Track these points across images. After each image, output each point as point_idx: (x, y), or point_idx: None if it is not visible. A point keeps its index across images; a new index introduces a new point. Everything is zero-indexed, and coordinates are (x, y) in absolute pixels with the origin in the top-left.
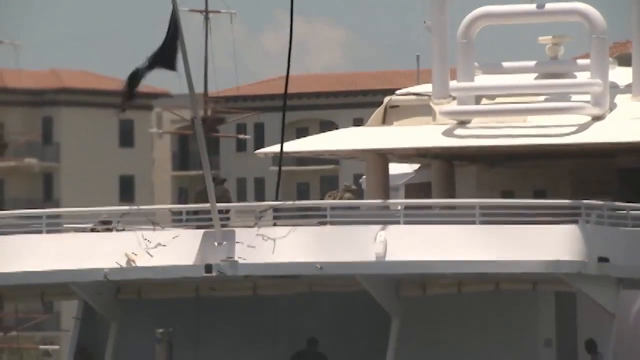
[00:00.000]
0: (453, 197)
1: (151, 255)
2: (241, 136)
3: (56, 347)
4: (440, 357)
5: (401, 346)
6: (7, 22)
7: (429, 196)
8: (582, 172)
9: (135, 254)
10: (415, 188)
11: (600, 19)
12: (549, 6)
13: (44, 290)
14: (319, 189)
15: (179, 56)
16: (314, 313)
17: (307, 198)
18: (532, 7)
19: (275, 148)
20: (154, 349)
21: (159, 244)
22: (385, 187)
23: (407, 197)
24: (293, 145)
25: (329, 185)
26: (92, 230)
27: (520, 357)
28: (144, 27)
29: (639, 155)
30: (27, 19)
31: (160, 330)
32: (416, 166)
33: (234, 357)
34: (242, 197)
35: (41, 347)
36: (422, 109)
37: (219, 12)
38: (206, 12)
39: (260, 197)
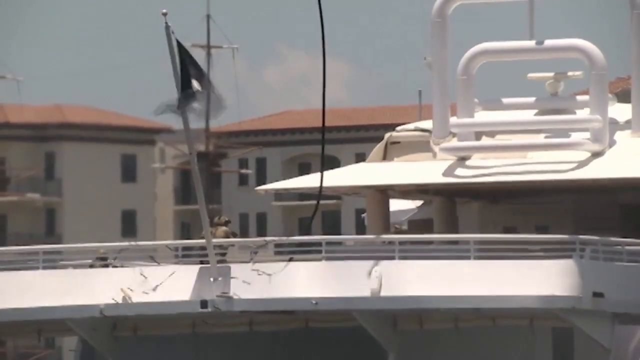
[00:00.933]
0: (455, 233)
1: (147, 293)
2: (243, 171)
3: None
4: None
5: None
6: (10, 57)
7: (430, 232)
8: (584, 208)
9: (131, 290)
10: (418, 224)
11: (600, 56)
12: (548, 43)
13: (41, 327)
14: (321, 224)
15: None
16: (310, 349)
17: (309, 233)
18: (532, 43)
19: (276, 185)
20: None
21: (156, 282)
22: (386, 222)
23: (410, 233)
24: (295, 182)
25: (330, 219)
26: (91, 266)
27: None
28: (147, 62)
29: None
30: (30, 54)
31: None
32: (419, 202)
33: None
34: (244, 232)
35: None
36: (422, 145)
37: (221, 47)
38: (208, 47)
39: (262, 232)
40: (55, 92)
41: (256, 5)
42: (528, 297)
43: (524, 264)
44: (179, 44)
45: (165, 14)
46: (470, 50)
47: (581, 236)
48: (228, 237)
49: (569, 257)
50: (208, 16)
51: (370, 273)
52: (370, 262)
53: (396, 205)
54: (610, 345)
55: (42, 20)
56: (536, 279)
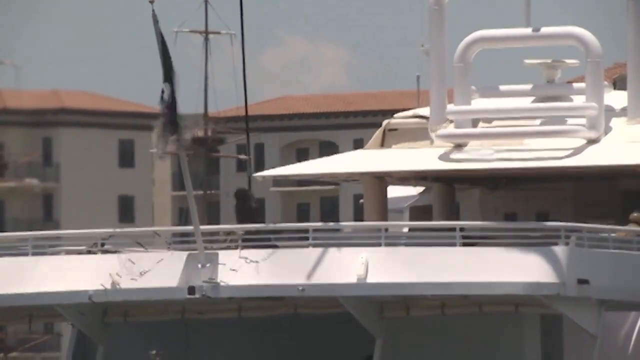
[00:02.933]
0: (455, 219)
1: (135, 279)
2: (241, 156)
3: None
4: None
5: None
6: (7, 42)
7: (429, 219)
8: (584, 195)
9: (120, 276)
10: (419, 211)
11: (596, 43)
12: (544, 30)
13: (31, 313)
14: (319, 210)
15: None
16: (299, 334)
17: (308, 218)
18: (528, 31)
19: (273, 171)
20: None
21: (144, 268)
22: (383, 209)
23: (411, 219)
24: (293, 169)
25: (329, 205)
26: (89, 252)
27: None
28: (144, 48)
29: None
30: (28, 39)
31: (154, 352)
32: (421, 189)
33: None
34: None
35: None
36: (420, 132)
37: (219, 33)
38: (206, 33)
39: (260, 218)
40: (53, 78)
41: None
42: (513, 283)
43: (510, 251)
44: (162, 37)
45: (152, 2)
46: (466, 38)
47: (565, 223)
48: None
49: (554, 244)
50: (206, 2)
51: (357, 260)
52: (358, 249)
53: (397, 191)
54: (597, 332)
55: (41, 6)
56: (522, 266)
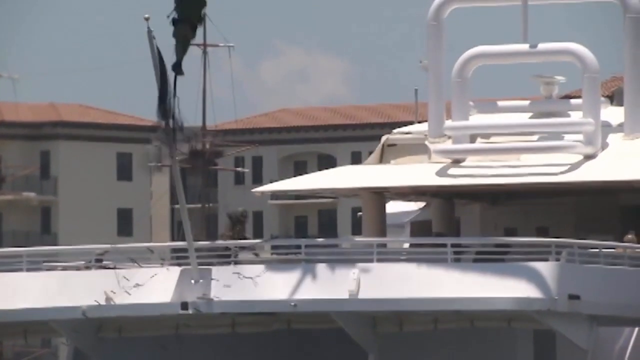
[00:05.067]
0: (455, 234)
1: (129, 294)
2: (239, 169)
3: None
4: None
5: None
6: (5, 55)
7: (429, 233)
8: (584, 210)
9: (114, 292)
10: (420, 226)
11: (592, 59)
12: (541, 46)
13: (26, 328)
14: (317, 223)
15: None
16: (292, 350)
17: (306, 231)
18: (525, 47)
19: (272, 186)
20: None
21: (137, 284)
22: (382, 224)
23: (412, 234)
24: (292, 184)
25: (327, 218)
26: (87, 267)
27: None
28: (143, 60)
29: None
30: (24, 52)
31: None
32: (422, 204)
33: None
34: None
35: None
36: (419, 148)
37: (217, 45)
38: (204, 45)
39: (258, 231)
40: (51, 91)
41: (252, 2)
42: (504, 299)
43: (502, 267)
44: (159, 52)
45: (147, 19)
46: (465, 54)
47: (556, 239)
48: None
49: (545, 259)
50: (204, 15)
51: (349, 276)
52: (349, 265)
53: (398, 206)
54: (588, 347)
55: (38, 18)
56: (513, 281)
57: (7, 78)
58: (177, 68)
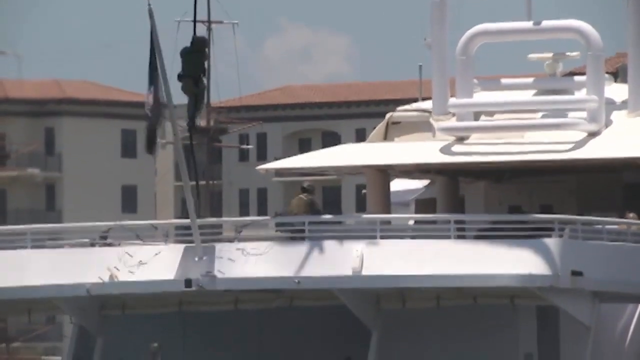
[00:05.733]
0: (460, 211)
1: (132, 272)
2: (243, 146)
3: (58, 358)
4: None
5: (381, 359)
6: (10, 33)
7: (434, 211)
8: (587, 188)
9: (118, 269)
10: (424, 203)
11: (596, 36)
12: (545, 23)
13: (30, 306)
14: (322, 199)
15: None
16: (295, 327)
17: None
18: (529, 24)
19: (276, 164)
20: None
21: (141, 261)
22: (386, 202)
23: (416, 212)
24: (296, 161)
25: (331, 195)
26: (92, 244)
27: None
28: (146, 37)
29: None
30: (29, 30)
31: (155, 344)
32: (426, 182)
33: None
34: (244, 208)
35: (43, 357)
36: (423, 125)
37: (221, 22)
38: (209, 22)
39: (262, 207)
40: (55, 67)
41: None
42: (507, 275)
43: (505, 243)
44: (153, 33)
45: None
46: (468, 31)
47: (560, 215)
48: (307, 207)
49: (548, 236)
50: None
51: (352, 252)
52: (353, 242)
53: (403, 184)
54: (591, 323)
55: None
56: (516, 258)
57: (12, 55)
58: (191, 123)
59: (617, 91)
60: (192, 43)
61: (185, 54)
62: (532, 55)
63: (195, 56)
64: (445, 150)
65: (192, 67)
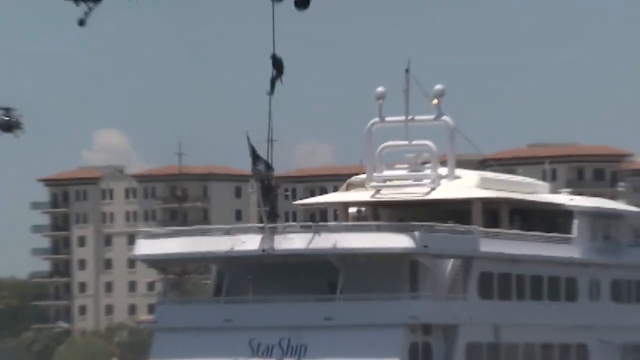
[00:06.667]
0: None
1: (240, 246)
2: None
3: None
4: None
5: (344, 284)
6: None
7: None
8: (426, 214)
9: (244, 242)
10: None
11: (434, 148)
12: (415, 142)
13: (199, 262)
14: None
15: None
16: (303, 272)
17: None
18: (406, 142)
19: (305, 201)
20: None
21: (244, 242)
22: (346, 218)
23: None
24: (305, 200)
25: (321, 216)
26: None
27: None
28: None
29: (458, 204)
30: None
31: (249, 277)
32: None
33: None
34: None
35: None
36: (362, 185)
37: (276, 141)
38: (270, 141)
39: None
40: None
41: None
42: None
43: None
44: (252, 148)
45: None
46: (380, 147)
47: (420, 223)
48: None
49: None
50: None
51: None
52: (330, 233)
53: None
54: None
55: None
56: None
57: None
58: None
59: (444, 170)
60: (267, 187)
61: (264, 189)
62: (408, 155)
63: (271, 195)
64: (371, 196)
65: (268, 193)
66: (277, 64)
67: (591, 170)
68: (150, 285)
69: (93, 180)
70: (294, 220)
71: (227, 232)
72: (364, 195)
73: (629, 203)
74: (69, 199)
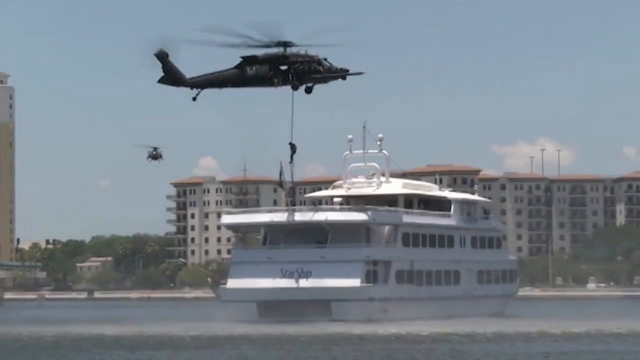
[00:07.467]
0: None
1: (281, 220)
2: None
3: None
4: None
5: (330, 242)
6: None
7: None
8: (374, 202)
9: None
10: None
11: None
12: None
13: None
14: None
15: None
16: (310, 232)
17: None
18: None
19: (316, 193)
20: None
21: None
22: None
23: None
24: (310, 194)
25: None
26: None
27: None
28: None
29: (391, 197)
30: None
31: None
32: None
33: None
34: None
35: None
36: (341, 186)
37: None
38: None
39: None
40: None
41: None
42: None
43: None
44: (282, 172)
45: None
46: (350, 165)
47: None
48: None
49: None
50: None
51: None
52: (323, 212)
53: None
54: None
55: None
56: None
57: None
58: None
59: (383, 179)
60: (290, 189)
61: (287, 189)
62: (365, 171)
63: (291, 192)
64: (345, 192)
65: (290, 191)
66: (292, 149)
67: (460, 178)
68: (229, 239)
69: (198, 183)
70: (304, 205)
71: (269, 211)
72: (341, 191)
73: (480, 196)
74: (186, 193)
